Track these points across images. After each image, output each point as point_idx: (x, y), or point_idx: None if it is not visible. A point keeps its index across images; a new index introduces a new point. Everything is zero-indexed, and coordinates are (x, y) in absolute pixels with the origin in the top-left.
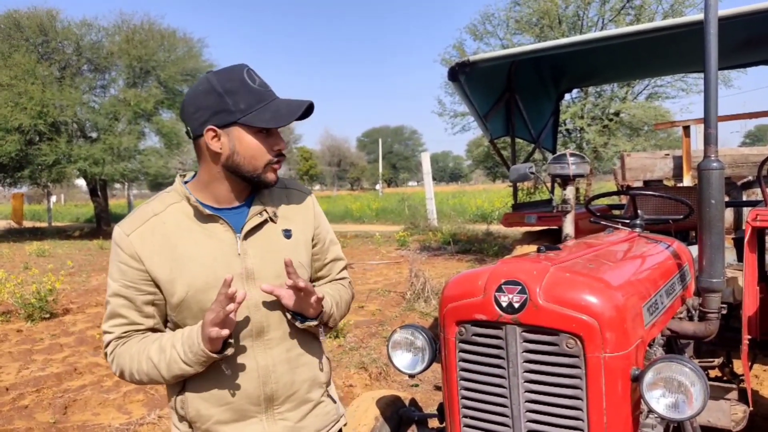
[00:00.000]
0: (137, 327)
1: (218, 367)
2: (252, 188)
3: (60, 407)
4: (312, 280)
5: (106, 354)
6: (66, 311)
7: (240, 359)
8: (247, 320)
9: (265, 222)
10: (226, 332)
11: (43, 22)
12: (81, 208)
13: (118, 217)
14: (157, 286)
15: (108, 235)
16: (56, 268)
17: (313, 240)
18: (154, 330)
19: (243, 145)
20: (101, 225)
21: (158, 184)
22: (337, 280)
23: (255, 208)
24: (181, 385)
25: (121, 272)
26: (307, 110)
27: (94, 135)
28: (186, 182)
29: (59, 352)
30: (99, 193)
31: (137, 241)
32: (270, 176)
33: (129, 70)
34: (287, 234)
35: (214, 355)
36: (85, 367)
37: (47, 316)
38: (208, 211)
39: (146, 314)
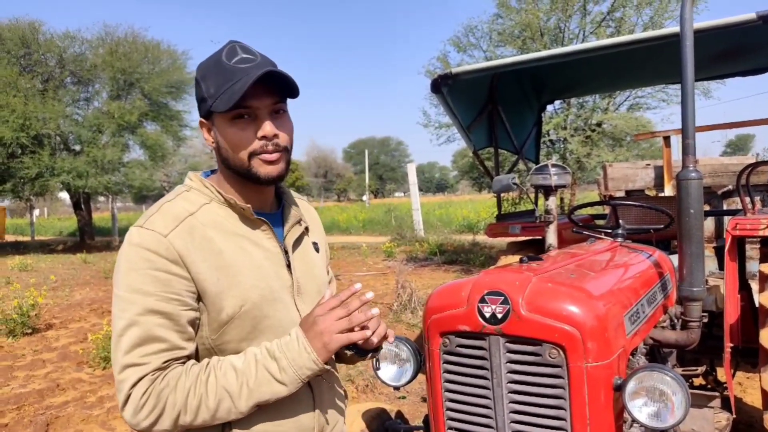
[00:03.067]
0: (180, 353)
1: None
2: (276, 195)
3: (41, 425)
4: None
5: (128, 398)
6: (49, 326)
7: None
8: None
9: (303, 233)
10: (370, 333)
11: (25, 34)
12: (64, 222)
13: (102, 231)
14: (199, 300)
15: (92, 249)
16: (39, 282)
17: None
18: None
19: (223, 135)
20: (85, 239)
21: (143, 197)
22: None
23: (292, 217)
24: (221, 426)
25: (158, 282)
26: (286, 82)
27: (77, 148)
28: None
29: (41, 368)
30: (82, 206)
31: (179, 243)
32: (262, 170)
33: (113, 82)
34: (316, 247)
35: (326, 367)
36: (68, 383)
37: (29, 331)
38: (254, 216)
39: (188, 337)
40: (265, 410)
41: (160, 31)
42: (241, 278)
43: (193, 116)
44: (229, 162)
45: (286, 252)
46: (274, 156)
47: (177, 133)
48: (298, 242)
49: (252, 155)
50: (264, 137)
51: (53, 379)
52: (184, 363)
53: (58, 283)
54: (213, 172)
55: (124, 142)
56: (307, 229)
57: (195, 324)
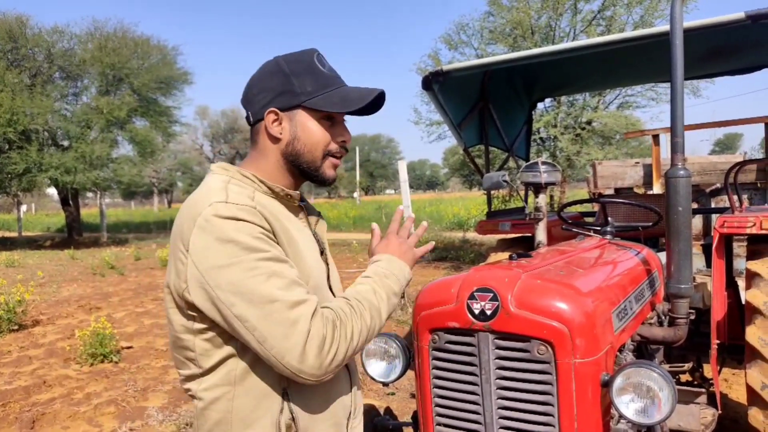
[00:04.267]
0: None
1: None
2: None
3: (27, 421)
4: None
5: (307, 337)
6: (36, 323)
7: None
8: None
9: (324, 228)
10: (431, 246)
11: (13, 29)
12: (52, 218)
13: (90, 227)
14: None
15: (80, 245)
16: (26, 278)
17: None
18: None
19: (306, 130)
20: (73, 235)
21: (131, 193)
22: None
23: (313, 210)
24: (279, 400)
25: (268, 243)
26: (378, 101)
27: (65, 143)
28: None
29: (28, 365)
30: (70, 202)
31: (264, 212)
32: (329, 172)
33: (102, 77)
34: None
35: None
36: (55, 380)
37: (15, 327)
38: (298, 202)
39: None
40: (317, 390)
41: (158, 27)
42: (305, 256)
43: (183, 112)
44: (300, 156)
45: (318, 241)
46: (340, 162)
47: (166, 129)
48: (322, 235)
49: (327, 155)
50: (344, 142)
51: (40, 375)
52: None
53: (46, 279)
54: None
55: (113, 137)
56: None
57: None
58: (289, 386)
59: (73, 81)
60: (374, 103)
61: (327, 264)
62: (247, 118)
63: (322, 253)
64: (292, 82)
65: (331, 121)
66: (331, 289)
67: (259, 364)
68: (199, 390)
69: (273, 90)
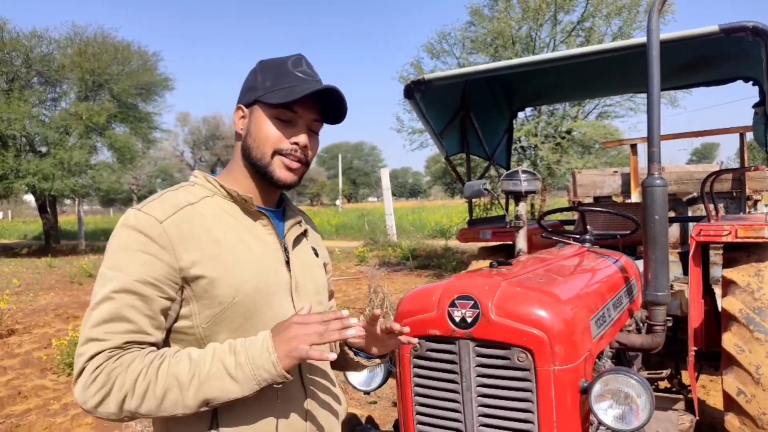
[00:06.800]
0: (144, 338)
1: (268, 397)
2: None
3: None
4: None
5: (82, 371)
6: (11, 332)
7: (290, 384)
8: None
9: (302, 234)
10: (333, 357)
11: None
12: (29, 225)
13: (68, 234)
14: (185, 291)
15: (58, 253)
16: (1, 287)
17: (325, 267)
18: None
19: (257, 125)
20: (50, 242)
21: (110, 200)
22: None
23: (292, 218)
24: (208, 423)
25: (143, 264)
26: (339, 105)
27: (43, 149)
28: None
29: (3, 375)
30: (48, 209)
31: (173, 231)
32: (279, 172)
33: (81, 83)
34: (315, 252)
35: (288, 376)
36: (31, 391)
37: None
38: (256, 208)
39: (157, 324)
40: (256, 408)
41: (139, 32)
42: (237, 269)
43: (164, 118)
44: (251, 152)
45: (285, 249)
46: (296, 165)
47: (146, 136)
48: (297, 241)
49: (276, 153)
50: (296, 143)
51: (15, 386)
52: (145, 349)
53: (22, 288)
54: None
55: (92, 143)
56: (306, 231)
57: (167, 315)
58: (219, 407)
59: (51, 86)
60: (337, 107)
61: (290, 273)
62: None
63: (287, 262)
64: (258, 79)
65: (288, 121)
66: (295, 302)
67: None
68: None
69: (243, 88)
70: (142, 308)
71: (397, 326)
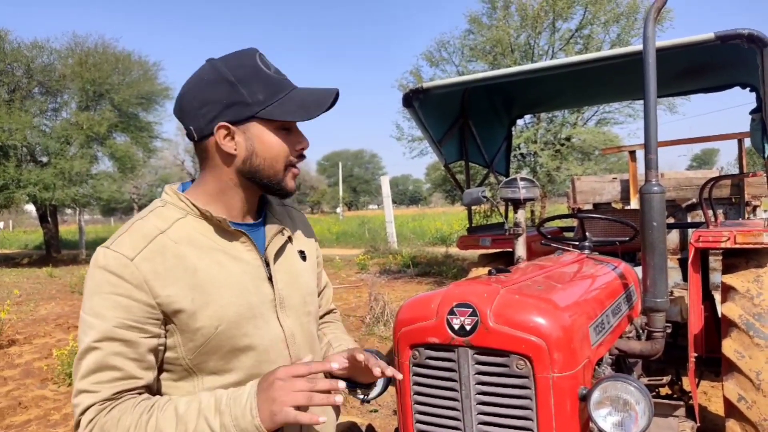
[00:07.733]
0: (134, 384)
1: None
2: (259, 202)
3: None
4: None
5: (78, 423)
6: (12, 342)
7: None
8: (281, 355)
9: (286, 242)
10: (324, 419)
11: None
12: (30, 235)
13: (69, 244)
14: (168, 323)
15: (59, 263)
16: (2, 297)
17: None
18: (149, 389)
19: (264, 144)
20: (51, 252)
21: (111, 209)
22: (332, 311)
23: (273, 227)
24: None
25: (119, 308)
26: (333, 100)
27: (44, 159)
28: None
29: (3, 386)
30: (49, 218)
31: (146, 267)
32: (290, 183)
33: (82, 93)
34: (302, 255)
35: None
36: (31, 401)
37: None
38: (232, 227)
39: (146, 366)
40: None
41: (139, 41)
42: (217, 296)
43: (164, 128)
44: (261, 172)
45: (267, 264)
46: (299, 169)
47: (147, 145)
48: (280, 252)
49: (288, 166)
50: (302, 149)
51: (15, 396)
52: (141, 392)
53: (23, 298)
54: (192, 181)
55: (93, 153)
56: (290, 238)
57: (157, 351)
58: None
59: (52, 96)
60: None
61: (273, 288)
62: (189, 134)
63: (270, 278)
64: (240, 92)
65: (288, 129)
66: (280, 318)
67: None
68: None
69: (219, 102)
70: (128, 353)
71: (378, 370)
